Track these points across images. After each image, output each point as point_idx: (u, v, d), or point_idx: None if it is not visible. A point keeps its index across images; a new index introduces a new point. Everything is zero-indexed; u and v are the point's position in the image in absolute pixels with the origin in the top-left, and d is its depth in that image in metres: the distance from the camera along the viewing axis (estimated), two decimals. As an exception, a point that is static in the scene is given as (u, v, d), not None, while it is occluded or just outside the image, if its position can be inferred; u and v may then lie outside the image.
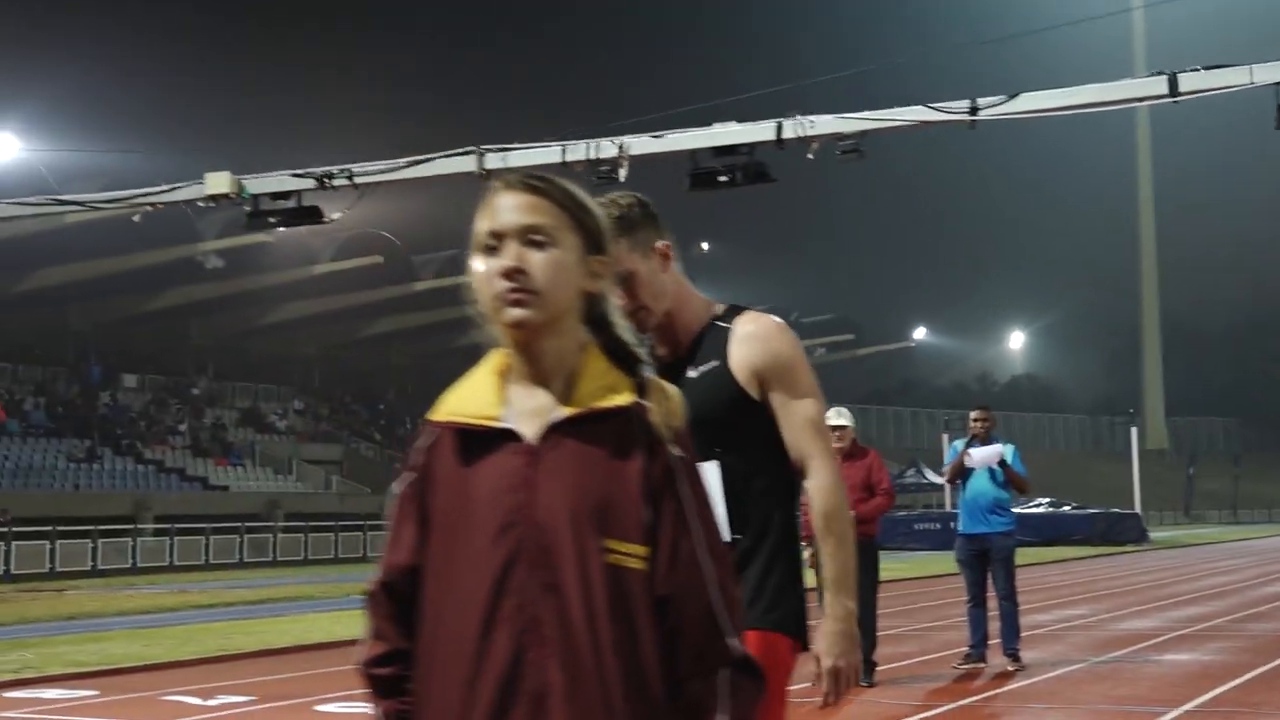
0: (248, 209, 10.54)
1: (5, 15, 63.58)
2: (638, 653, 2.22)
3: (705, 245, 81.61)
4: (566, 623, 2.21)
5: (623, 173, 9.00)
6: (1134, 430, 54.72)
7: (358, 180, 9.90)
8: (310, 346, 62.60)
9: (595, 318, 2.38)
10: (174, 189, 10.40)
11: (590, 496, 2.25)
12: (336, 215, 10.95)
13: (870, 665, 11.78)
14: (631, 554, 2.25)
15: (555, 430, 2.28)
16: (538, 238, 2.30)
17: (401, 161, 9.70)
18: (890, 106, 8.53)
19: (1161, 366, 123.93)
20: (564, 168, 9.28)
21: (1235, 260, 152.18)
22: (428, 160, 9.61)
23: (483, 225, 2.33)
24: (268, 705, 11.25)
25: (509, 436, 2.29)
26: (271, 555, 43.18)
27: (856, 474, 12.11)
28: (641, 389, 2.33)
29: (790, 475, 3.41)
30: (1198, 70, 8.27)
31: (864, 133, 8.55)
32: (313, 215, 10.35)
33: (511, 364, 2.35)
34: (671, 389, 2.38)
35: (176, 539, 40.95)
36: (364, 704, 7.37)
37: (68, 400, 51.24)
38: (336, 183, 9.88)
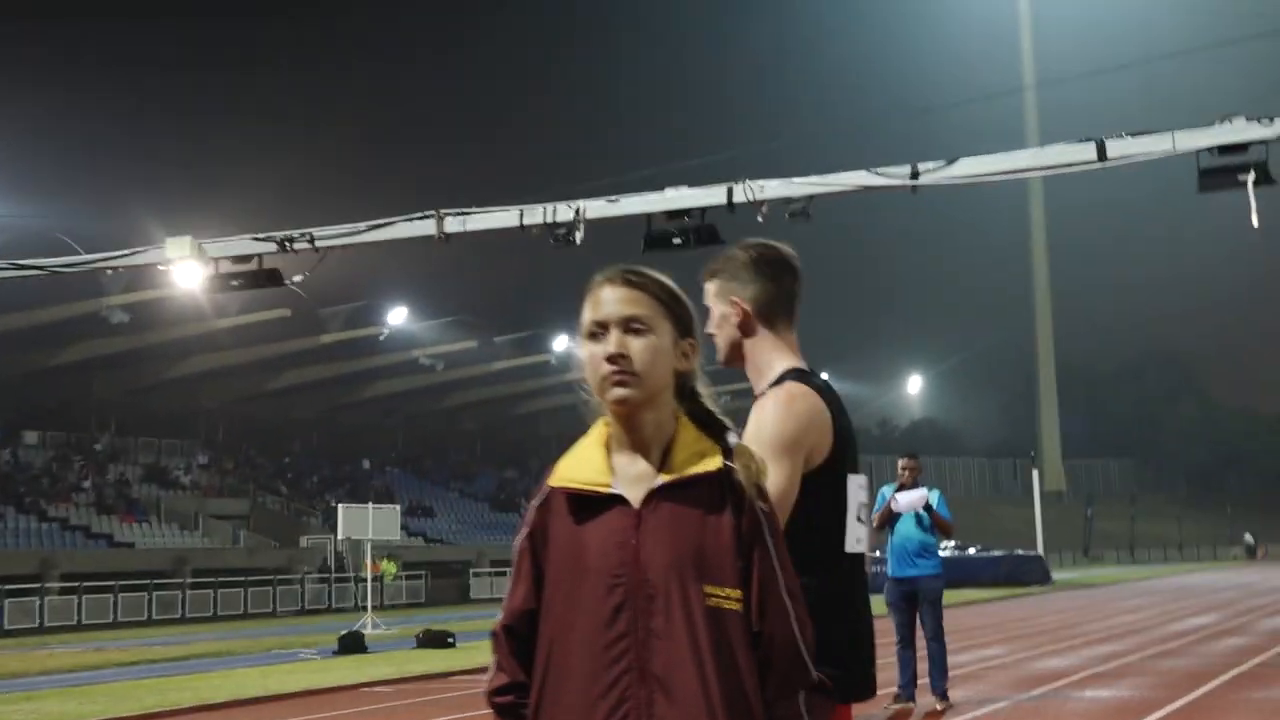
0: (209, 273, 10.79)
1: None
2: (740, 681, 2.61)
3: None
4: (673, 660, 2.59)
5: (579, 235, 9.38)
6: (1035, 472, 55.70)
7: (318, 244, 10.21)
8: (213, 400, 62.17)
9: (686, 391, 2.78)
10: (134, 253, 10.62)
11: (688, 550, 2.63)
12: (298, 278, 11.23)
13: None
14: (729, 597, 2.63)
15: (655, 495, 2.66)
16: (637, 326, 2.69)
17: (362, 225, 9.98)
18: (825, 172, 9.02)
19: (1058, 409, 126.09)
20: (522, 231, 9.66)
21: (1127, 304, 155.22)
22: (389, 224, 9.90)
23: (588, 315, 2.72)
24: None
25: (616, 500, 2.67)
26: (181, 612, 42.84)
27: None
28: (728, 453, 2.72)
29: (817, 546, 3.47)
30: (1124, 137, 8.81)
31: (811, 196, 9.04)
32: (273, 279, 10.62)
33: (614, 434, 2.74)
34: (754, 450, 2.78)
35: (85, 597, 40.53)
36: None
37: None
38: (298, 246, 10.16)
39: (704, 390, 2.82)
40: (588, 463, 2.74)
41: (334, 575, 50.78)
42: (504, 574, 52.75)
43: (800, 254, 3.68)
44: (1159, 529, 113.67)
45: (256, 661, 22.64)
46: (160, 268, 10.91)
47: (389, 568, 47.46)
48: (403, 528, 43.65)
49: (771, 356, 3.69)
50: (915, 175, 8.86)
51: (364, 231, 9.96)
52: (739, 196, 8.96)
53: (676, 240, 9.14)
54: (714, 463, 2.69)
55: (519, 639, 2.74)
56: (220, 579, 45.30)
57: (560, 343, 69.90)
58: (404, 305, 56.63)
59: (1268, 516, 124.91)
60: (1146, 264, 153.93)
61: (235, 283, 10.66)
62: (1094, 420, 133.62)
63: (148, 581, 43.26)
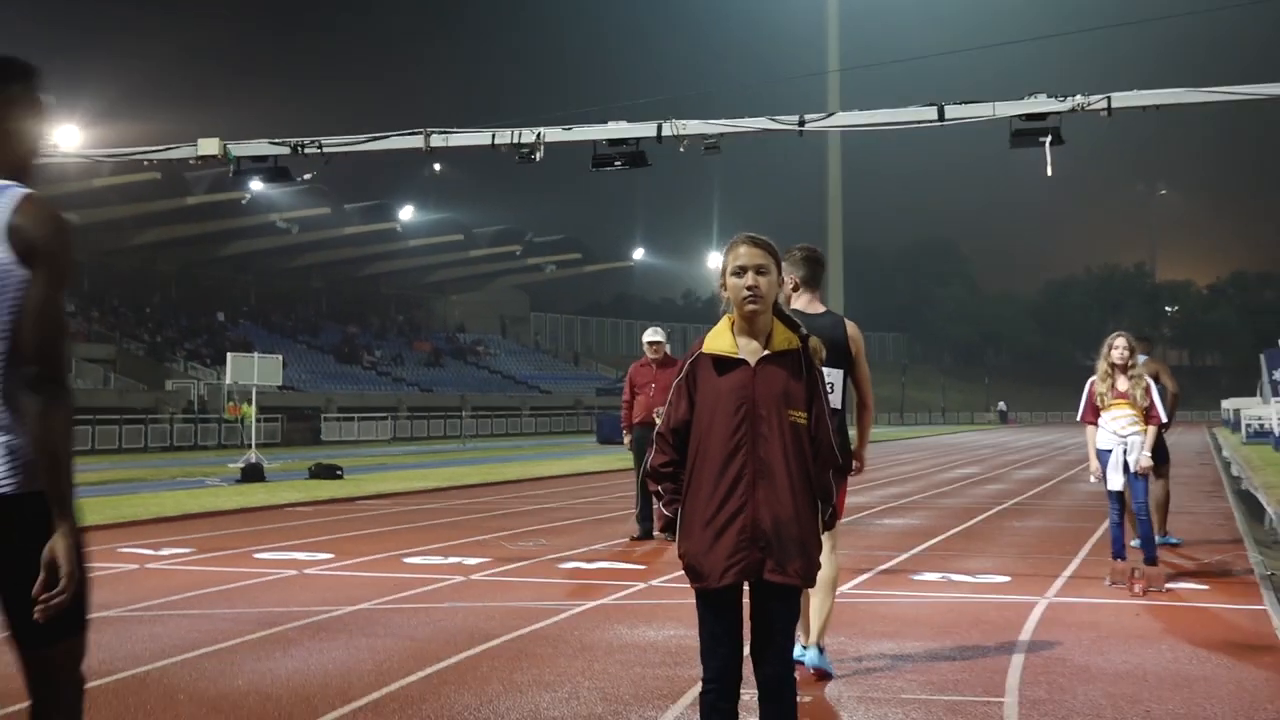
0: (233, 168, 12.23)
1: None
2: (804, 463, 4.61)
3: (438, 167, 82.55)
4: (770, 451, 4.58)
5: (539, 155, 11.10)
6: (825, 344, 58.53)
7: (325, 150, 11.69)
8: (82, 253, 61.94)
9: (776, 305, 4.74)
10: (170, 149, 12.00)
11: (779, 391, 4.61)
12: (306, 176, 12.72)
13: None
14: (800, 417, 4.62)
15: (762, 361, 4.63)
16: (761, 269, 4.63)
17: (362, 137, 11.49)
18: (734, 117, 10.91)
19: (843, 287, 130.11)
20: (493, 149, 11.35)
21: (908, 195, 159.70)
22: (384, 137, 11.45)
23: (732, 262, 4.65)
24: (212, 554, 13.03)
25: (741, 362, 4.64)
26: (62, 445, 43.59)
27: (667, 378, 14.63)
28: (802, 340, 4.70)
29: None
30: (957, 104, 10.82)
31: (721, 135, 10.89)
32: (284, 175, 12.07)
33: (739, 325, 4.68)
34: (814, 338, 4.77)
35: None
36: (291, 553, 10.09)
37: None
38: (307, 151, 11.63)
39: (785, 307, 4.80)
40: (724, 340, 4.68)
41: (198, 416, 51.77)
42: (351, 419, 53.70)
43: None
44: (926, 396, 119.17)
45: (168, 487, 24.04)
46: (191, 161, 12.31)
47: (248, 411, 48.60)
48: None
49: (810, 305, 6.96)
50: (802, 123, 10.77)
51: (363, 142, 11.50)
52: (666, 131, 10.76)
53: (616, 163, 10.98)
54: (794, 344, 4.67)
55: (676, 438, 4.70)
56: (97, 417, 46.05)
57: (405, 212, 70.85)
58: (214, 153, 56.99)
59: (1019, 388, 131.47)
60: (929, 157, 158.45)
61: (256, 175, 12.15)
62: (874, 298, 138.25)
63: (33, 417, 43.85)
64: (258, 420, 51.53)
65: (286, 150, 11.58)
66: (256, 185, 18.64)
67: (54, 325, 3.45)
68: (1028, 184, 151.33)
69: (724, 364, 4.67)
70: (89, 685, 3.72)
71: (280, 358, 33.70)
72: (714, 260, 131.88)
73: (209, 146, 11.77)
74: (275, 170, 11.78)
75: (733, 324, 4.71)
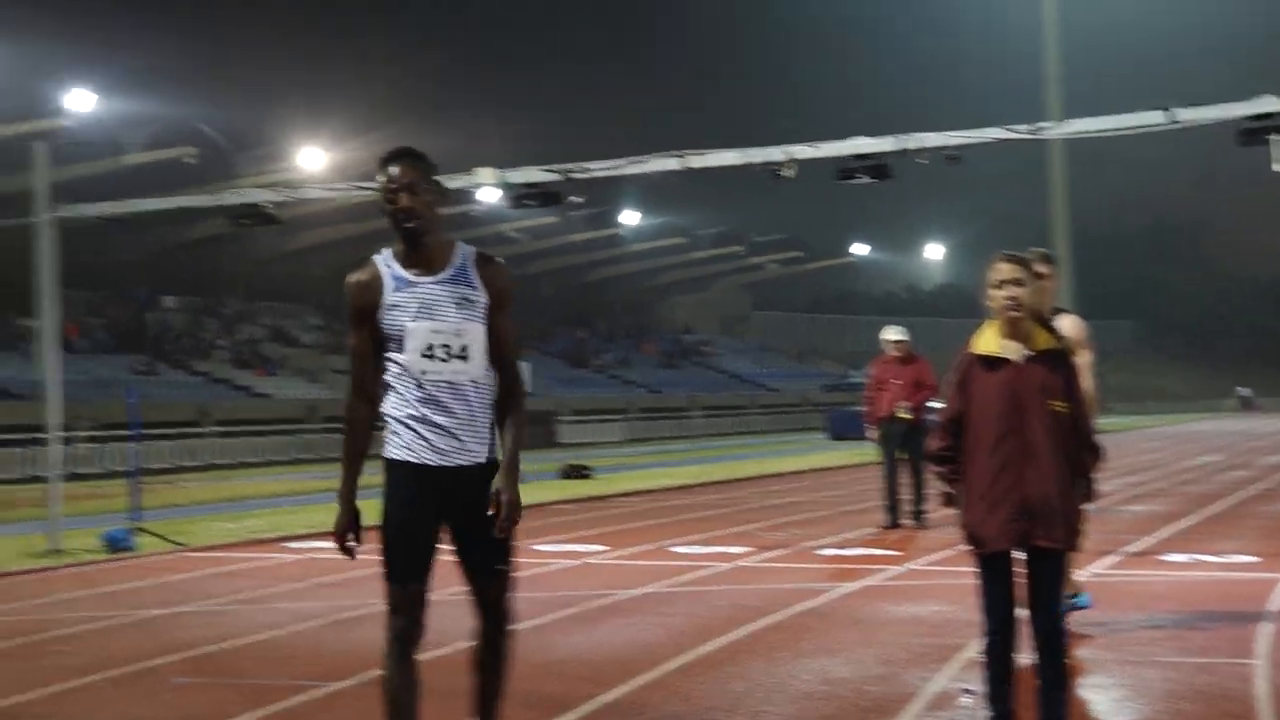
0: (510, 195, 13.45)
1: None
2: (1065, 445, 5.42)
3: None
4: (1035, 435, 5.40)
5: (790, 172, 12.02)
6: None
7: (592, 175, 12.76)
8: (324, 269, 65.00)
9: (1033, 309, 5.56)
10: (452, 178, 13.22)
11: (1041, 384, 5.44)
12: (575, 199, 13.89)
13: (922, 513, 15.16)
14: (1059, 406, 5.43)
15: (1028, 360, 5.46)
16: (1019, 281, 5.46)
17: (624, 160, 12.56)
18: (970, 128, 11.68)
19: (1071, 273, 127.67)
20: (745, 168, 12.32)
21: (1139, 173, 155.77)
22: (644, 160, 12.49)
23: (993, 277, 5.49)
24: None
25: (1006, 361, 5.47)
26: (319, 452, 46.24)
27: (910, 374, 15.41)
28: (1059, 339, 5.52)
29: None
30: (1189, 107, 11.39)
31: (961, 146, 11.66)
32: (554, 200, 13.21)
33: (1002, 329, 5.51)
34: (1070, 337, 5.58)
35: (240, 440, 43.99)
36: (566, 545, 11.29)
37: (122, 320, 53.70)
38: (575, 176, 12.74)
39: (1045, 312, 5.62)
40: (991, 342, 5.53)
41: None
42: (587, 422, 55.29)
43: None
44: (1160, 384, 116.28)
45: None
46: (467, 188, 13.55)
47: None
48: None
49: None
50: (1035, 131, 11.47)
51: (624, 166, 12.55)
52: (906, 145, 11.63)
53: (861, 177, 11.87)
54: (1053, 344, 5.50)
55: (953, 426, 5.55)
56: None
57: (628, 217, 72.53)
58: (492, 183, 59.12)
59: (1258, 373, 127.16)
60: (1155, 139, 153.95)
61: (528, 203, 13.34)
62: (1103, 284, 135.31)
63: (291, 426, 46.63)
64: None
65: (557, 176, 12.70)
66: (485, 196, 19.80)
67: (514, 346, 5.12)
68: (1259, 162, 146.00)
69: (992, 363, 5.52)
70: (426, 657, 5.01)
71: (529, 365, 35.22)
72: (933, 251, 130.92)
73: (486, 175, 12.98)
74: (546, 195, 12.93)
75: (998, 329, 5.55)
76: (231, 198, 15.89)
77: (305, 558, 14.10)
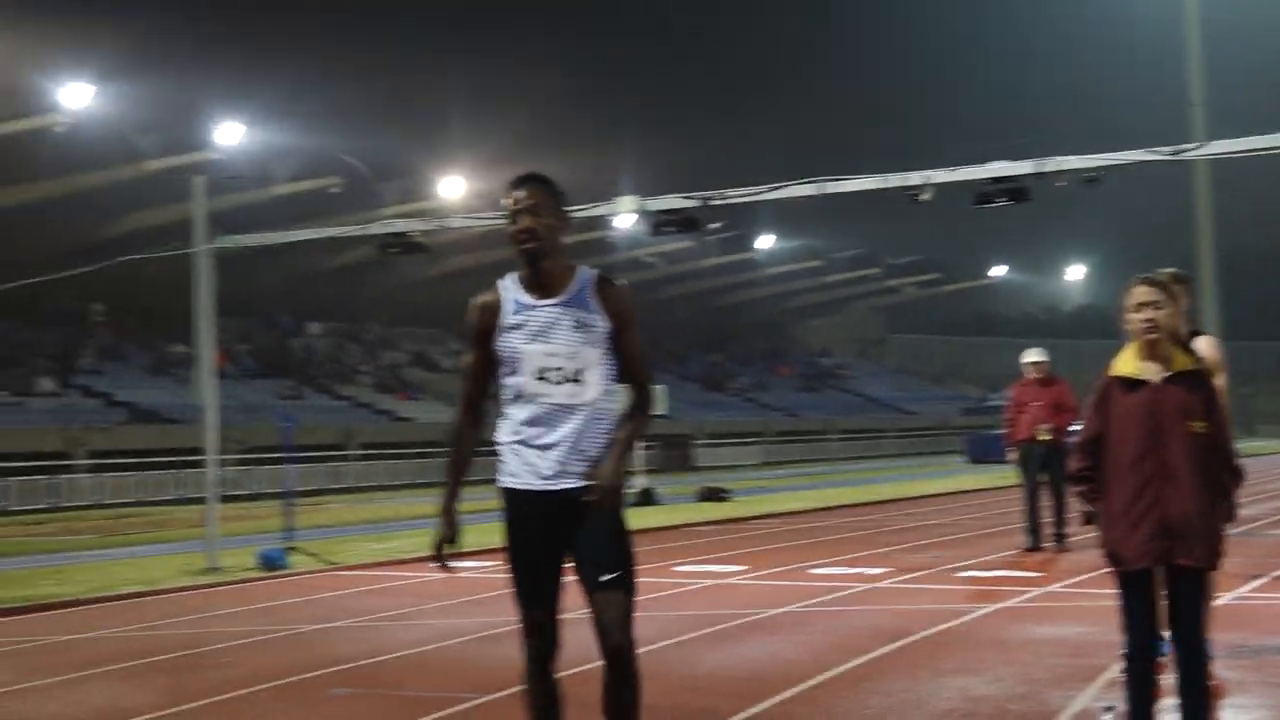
0: (650, 221, 13.75)
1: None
2: (1204, 465, 5.47)
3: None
4: (1174, 457, 5.46)
5: (926, 195, 12.13)
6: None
7: (730, 201, 13.01)
8: (464, 296, 65.85)
9: (1172, 331, 5.62)
10: (594, 206, 13.57)
11: (1181, 405, 5.50)
12: (714, 225, 14.14)
13: (1063, 536, 15.06)
14: (1198, 427, 5.49)
15: (1165, 380, 5.52)
16: (1156, 304, 5.53)
17: (764, 187, 12.78)
18: (1109, 150, 11.68)
19: (1215, 291, 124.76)
20: (882, 192, 12.45)
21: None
22: (782, 186, 12.70)
23: (1130, 301, 5.57)
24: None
25: (1145, 383, 5.54)
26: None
27: (1050, 396, 15.33)
28: (1197, 361, 5.58)
29: None
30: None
31: (1097, 168, 11.66)
32: (693, 226, 13.45)
33: (1141, 351, 5.58)
34: (1208, 359, 5.63)
35: (383, 463, 44.91)
36: (705, 565, 11.40)
37: (268, 346, 55.08)
38: (714, 203, 12.98)
39: (1180, 335, 5.67)
40: (1130, 364, 5.61)
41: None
42: (723, 444, 55.32)
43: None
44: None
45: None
46: (607, 215, 13.88)
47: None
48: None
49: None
50: (1177, 153, 11.43)
51: (764, 192, 12.76)
52: (1045, 168, 11.66)
53: (999, 200, 11.93)
54: (1191, 365, 5.55)
55: (1093, 446, 5.63)
56: (491, 448, 49.18)
57: (763, 241, 72.65)
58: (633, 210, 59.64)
59: None
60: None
61: (667, 229, 13.59)
62: (1250, 305, 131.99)
63: (431, 449, 47.45)
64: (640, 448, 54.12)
65: (696, 203, 12.92)
66: (621, 223, 20.00)
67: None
68: None
69: (1131, 385, 5.59)
70: (570, 671, 4.97)
71: (664, 388, 35.45)
72: (1074, 273, 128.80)
73: (627, 204, 13.26)
74: (686, 221, 13.17)
75: (1137, 350, 5.63)
76: (379, 227, 16.25)
77: (450, 577, 14.42)
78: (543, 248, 4.92)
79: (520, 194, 4.96)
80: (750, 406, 70.87)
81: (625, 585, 4.87)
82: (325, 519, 26.08)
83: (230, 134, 46.12)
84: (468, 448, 5.17)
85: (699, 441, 59.83)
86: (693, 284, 76.88)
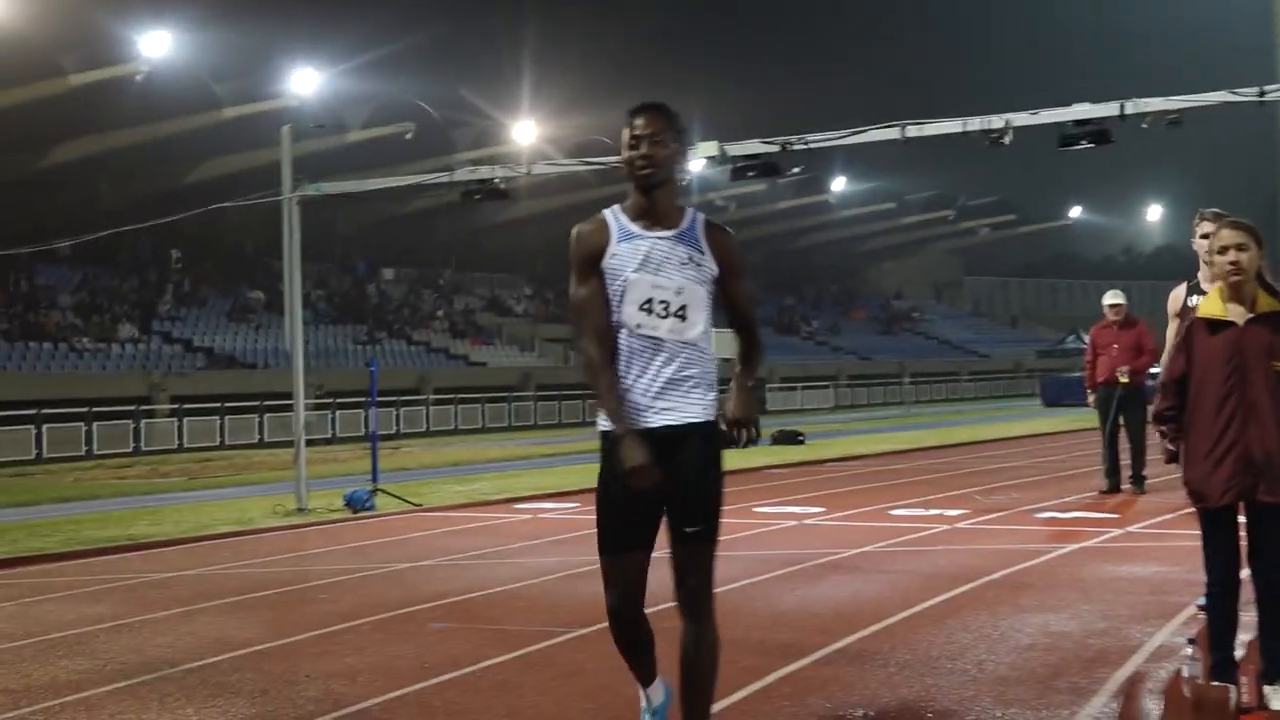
0: (731, 165, 13.87)
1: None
2: (1283, 402, 5.62)
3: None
4: (1256, 395, 5.60)
5: (1008, 138, 12.20)
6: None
7: (810, 146, 13.14)
8: (537, 241, 66.26)
9: (1257, 273, 5.75)
10: (673, 151, 13.65)
11: (1264, 345, 5.63)
12: (794, 170, 14.27)
13: (1141, 478, 15.13)
14: (1280, 367, 5.63)
15: (1249, 321, 5.66)
16: (1242, 246, 5.66)
17: (844, 131, 12.85)
18: (1193, 92, 11.68)
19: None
20: (964, 136, 12.51)
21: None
22: (863, 131, 12.79)
23: (1216, 243, 5.70)
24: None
25: (1231, 324, 5.68)
26: (532, 419, 47.58)
27: (1129, 339, 15.35)
28: (1280, 302, 5.71)
29: None
30: None
31: (1181, 110, 11.68)
32: (773, 170, 13.55)
33: (1225, 293, 5.72)
34: None
35: (458, 408, 45.52)
36: (784, 506, 11.58)
37: (343, 292, 55.71)
38: (795, 147, 13.09)
39: (1264, 277, 5.80)
40: (1215, 306, 5.75)
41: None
42: (794, 389, 55.33)
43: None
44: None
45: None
46: (689, 164, 13.99)
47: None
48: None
49: None
50: (1262, 94, 11.42)
51: (845, 137, 12.84)
52: (1129, 110, 11.68)
53: (1082, 143, 11.97)
54: (1275, 306, 5.69)
55: (1177, 386, 5.79)
56: (563, 392, 49.62)
57: (837, 183, 72.37)
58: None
59: None
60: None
61: (749, 174, 13.72)
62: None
63: (507, 394, 48.00)
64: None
65: (776, 148, 13.04)
66: (695, 167, 20.08)
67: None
68: None
69: (1215, 326, 5.73)
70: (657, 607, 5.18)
71: (731, 331, 35.60)
72: (1154, 214, 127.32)
73: (708, 149, 13.40)
74: (766, 166, 13.29)
75: (1221, 292, 5.77)
76: (464, 173, 16.49)
77: (534, 517, 14.76)
78: (659, 175, 4.79)
79: (640, 121, 4.85)
80: (823, 350, 70.89)
81: (709, 536, 4.78)
82: (406, 462, 26.56)
83: (305, 81, 46.53)
84: (610, 366, 4.78)
85: (772, 385, 59.93)
86: (766, 227, 76.71)
